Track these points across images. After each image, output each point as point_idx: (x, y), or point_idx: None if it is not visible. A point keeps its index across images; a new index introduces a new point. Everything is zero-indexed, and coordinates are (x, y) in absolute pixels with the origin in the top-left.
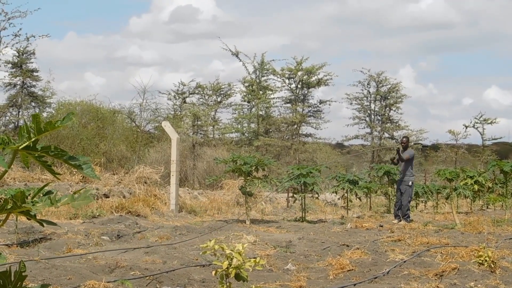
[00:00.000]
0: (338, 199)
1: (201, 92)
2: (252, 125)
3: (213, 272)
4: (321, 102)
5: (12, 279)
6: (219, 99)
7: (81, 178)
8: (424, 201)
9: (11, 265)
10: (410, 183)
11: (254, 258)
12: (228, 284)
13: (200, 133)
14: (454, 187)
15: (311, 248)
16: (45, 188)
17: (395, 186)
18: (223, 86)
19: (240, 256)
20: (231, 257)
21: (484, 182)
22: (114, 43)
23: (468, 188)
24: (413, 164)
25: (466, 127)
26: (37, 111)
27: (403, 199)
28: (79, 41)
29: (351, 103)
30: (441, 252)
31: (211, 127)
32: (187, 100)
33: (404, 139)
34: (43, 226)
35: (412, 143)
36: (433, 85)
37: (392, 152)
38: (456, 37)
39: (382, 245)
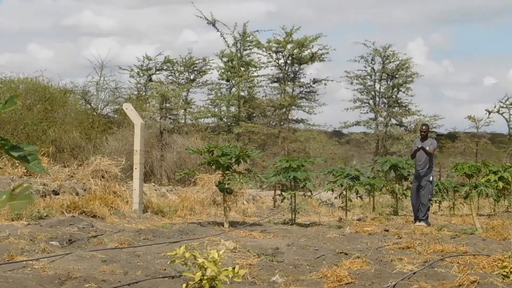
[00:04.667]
0: (335, 198)
1: (171, 68)
2: (232, 109)
3: (184, 285)
4: (315, 81)
5: None
6: (192, 77)
7: (25, 171)
8: (438, 201)
9: None
10: (431, 178)
11: (233, 267)
12: None
13: (170, 118)
14: (474, 184)
15: (302, 257)
16: None
17: (408, 183)
18: (197, 61)
19: (214, 266)
20: (205, 266)
21: (510, 179)
22: (64, 8)
23: (491, 186)
24: (433, 157)
25: (489, 112)
26: None
27: (422, 196)
28: (22, 5)
29: (351, 83)
30: (458, 262)
31: (183, 110)
32: (154, 77)
33: (424, 127)
34: None
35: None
36: (449, 62)
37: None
38: (477, 6)
39: (388, 254)
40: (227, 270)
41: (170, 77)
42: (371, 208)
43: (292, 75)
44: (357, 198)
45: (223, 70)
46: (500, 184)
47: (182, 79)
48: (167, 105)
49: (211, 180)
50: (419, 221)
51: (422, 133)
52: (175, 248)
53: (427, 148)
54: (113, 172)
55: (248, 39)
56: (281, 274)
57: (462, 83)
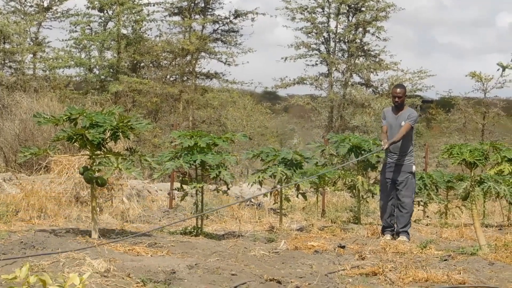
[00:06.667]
0: (265, 195)
1: None
2: (108, 55)
3: None
4: (237, 14)
5: None
6: (45, 4)
7: None
8: (422, 203)
9: None
10: (413, 169)
11: None
12: None
13: (10, 67)
14: (478, 178)
15: (211, 286)
16: None
17: (376, 174)
18: None
19: None
20: None
21: None
22: None
23: (504, 181)
24: (414, 136)
25: (504, 68)
26: None
27: (403, 196)
28: None
29: (293, 18)
30: None
31: (31, 55)
32: None
33: (398, 90)
34: None
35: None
36: None
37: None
38: None
39: (343, 283)
40: None
41: (12, 3)
42: (320, 213)
43: (202, 5)
44: (297, 197)
45: None
46: None
47: (31, 6)
48: (6, 46)
49: (72, 164)
50: (398, 234)
51: (396, 99)
52: (14, 269)
53: (401, 126)
54: None
55: None
56: None
57: (464, 22)
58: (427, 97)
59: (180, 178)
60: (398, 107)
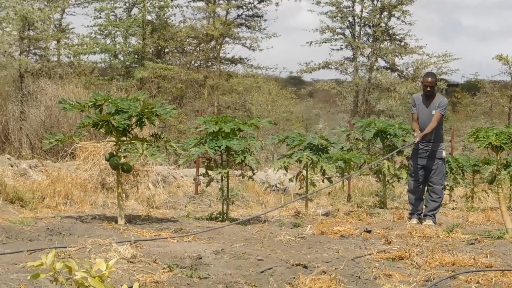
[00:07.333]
0: (290, 180)
1: None
2: (133, 41)
3: None
4: None
5: None
6: None
7: None
8: (449, 187)
9: None
10: (443, 154)
11: (130, 287)
12: None
13: (35, 54)
14: (505, 162)
15: (237, 271)
16: None
17: (403, 158)
18: None
19: (101, 284)
20: (86, 285)
21: None
22: None
23: None
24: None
25: None
26: None
27: (434, 182)
28: None
29: (318, 3)
30: (478, 282)
31: (55, 42)
32: None
33: (430, 79)
34: None
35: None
36: None
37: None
38: None
39: (370, 267)
40: None
41: None
42: (345, 197)
43: None
44: (323, 181)
45: None
46: None
47: None
48: (31, 33)
49: (98, 151)
50: (425, 217)
51: (428, 89)
52: (40, 256)
53: (433, 114)
54: None
55: None
56: None
57: (489, 5)
58: (453, 80)
59: (206, 164)
60: (428, 96)
